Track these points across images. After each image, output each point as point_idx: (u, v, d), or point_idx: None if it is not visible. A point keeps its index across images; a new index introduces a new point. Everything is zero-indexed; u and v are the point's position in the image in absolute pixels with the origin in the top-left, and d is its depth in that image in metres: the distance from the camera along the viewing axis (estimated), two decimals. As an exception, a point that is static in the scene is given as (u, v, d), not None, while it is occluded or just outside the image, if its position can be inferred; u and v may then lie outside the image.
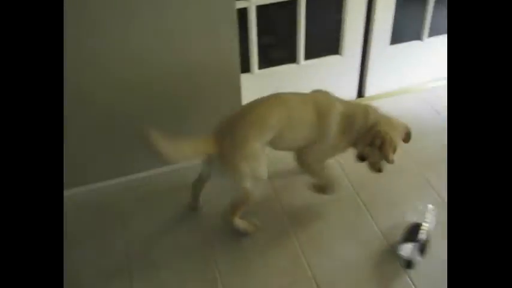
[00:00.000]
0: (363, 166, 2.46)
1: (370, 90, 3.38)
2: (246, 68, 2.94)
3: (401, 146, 2.42)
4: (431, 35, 3.36)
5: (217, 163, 2.23)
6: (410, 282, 2.23)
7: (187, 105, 2.69)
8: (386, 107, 2.98)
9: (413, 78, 3.48)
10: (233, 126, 2.22)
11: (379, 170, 2.44)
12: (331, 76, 3.17)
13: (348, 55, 3.18)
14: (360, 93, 3.38)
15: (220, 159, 2.20)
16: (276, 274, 2.30)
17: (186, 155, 2.15)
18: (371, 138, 2.34)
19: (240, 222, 2.41)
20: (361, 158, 2.45)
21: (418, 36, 3.35)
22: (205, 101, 2.70)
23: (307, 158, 2.45)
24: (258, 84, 2.96)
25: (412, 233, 2.34)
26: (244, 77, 2.81)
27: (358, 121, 2.37)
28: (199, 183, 2.55)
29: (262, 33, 2.91)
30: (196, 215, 2.60)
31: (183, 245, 2.45)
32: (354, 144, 2.44)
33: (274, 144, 2.32)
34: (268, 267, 2.33)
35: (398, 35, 3.28)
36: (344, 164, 2.82)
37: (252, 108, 2.29)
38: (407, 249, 2.28)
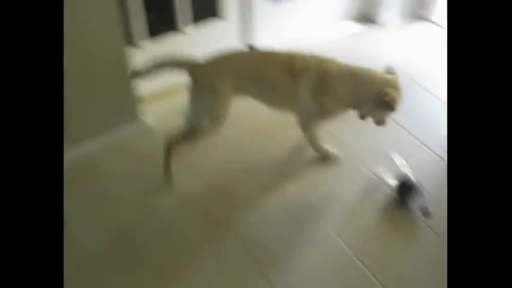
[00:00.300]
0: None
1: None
2: (129, 41, 2.85)
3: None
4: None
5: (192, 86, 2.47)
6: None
7: (74, 77, 2.48)
8: None
9: (300, 33, 3.60)
10: (216, 62, 2.46)
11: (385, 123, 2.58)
12: (215, 41, 3.15)
13: (230, 17, 3.22)
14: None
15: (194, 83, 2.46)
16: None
17: (169, 62, 2.47)
18: (379, 100, 2.44)
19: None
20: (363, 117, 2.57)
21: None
22: (90, 73, 2.54)
23: (301, 123, 2.61)
24: (145, 56, 2.89)
25: (404, 187, 2.45)
26: (130, 51, 2.71)
27: (364, 86, 2.46)
28: None
29: (144, 5, 2.86)
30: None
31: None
32: (356, 107, 2.54)
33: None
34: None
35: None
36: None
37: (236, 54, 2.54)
38: (417, 202, 2.39)
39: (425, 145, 2.81)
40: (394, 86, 2.44)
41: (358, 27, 3.88)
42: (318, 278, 2.16)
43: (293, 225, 2.38)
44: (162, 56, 2.46)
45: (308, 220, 2.41)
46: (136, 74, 2.53)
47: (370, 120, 2.53)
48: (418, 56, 3.59)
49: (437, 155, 2.74)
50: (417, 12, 3.97)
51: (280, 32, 3.48)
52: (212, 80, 2.43)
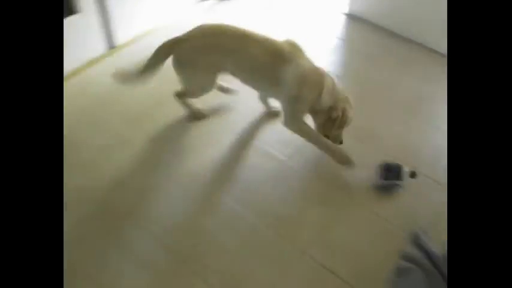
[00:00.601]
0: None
1: (121, 39, 3.43)
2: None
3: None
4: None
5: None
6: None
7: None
8: (139, 50, 3.14)
9: (159, 15, 3.65)
10: (197, 37, 2.54)
11: (341, 142, 2.62)
12: (76, 37, 3.12)
13: (86, 11, 3.15)
14: (112, 44, 3.41)
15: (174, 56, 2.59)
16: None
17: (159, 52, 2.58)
18: (336, 116, 2.49)
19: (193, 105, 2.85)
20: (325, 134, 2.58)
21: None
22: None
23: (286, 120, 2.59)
24: None
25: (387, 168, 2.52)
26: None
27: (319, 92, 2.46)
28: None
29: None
30: None
31: None
32: (312, 113, 2.57)
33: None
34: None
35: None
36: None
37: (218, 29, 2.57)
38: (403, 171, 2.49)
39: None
40: (350, 105, 2.55)
41: (210, 2, 3.98)
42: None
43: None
44: (144, 63, 2.56)
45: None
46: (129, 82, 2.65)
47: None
48: (272, 24, 3.76)
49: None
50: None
51: (138, 18, 3.51)
52: (190, 54, 2.52)
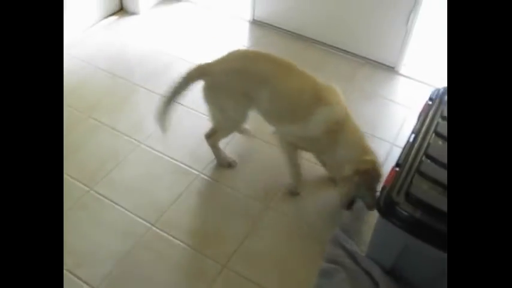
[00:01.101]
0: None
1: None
2: None
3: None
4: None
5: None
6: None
7: None
8: None
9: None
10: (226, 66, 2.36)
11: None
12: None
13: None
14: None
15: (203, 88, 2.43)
16: None
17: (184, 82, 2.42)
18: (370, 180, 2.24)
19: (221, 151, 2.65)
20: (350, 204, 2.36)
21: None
22: None
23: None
24: None
25: None
26: None
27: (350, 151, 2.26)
28: None
29: None
30: None
31: None
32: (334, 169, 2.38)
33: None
34: None
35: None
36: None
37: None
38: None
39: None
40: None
41: (112, 18, 3.88)
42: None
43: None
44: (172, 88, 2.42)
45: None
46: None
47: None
48: (178, 34, 3.72)
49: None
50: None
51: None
52: (222, 77, 2.35)
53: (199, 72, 2.39)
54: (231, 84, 2.35)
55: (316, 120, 2.24)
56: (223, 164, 2.66)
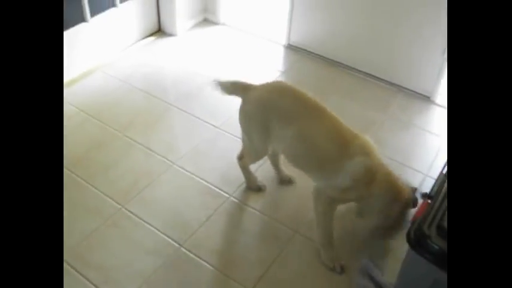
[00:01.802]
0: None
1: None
2: None
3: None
4: (93, 14, 3.47)
5: None
6: None
7: None
8: (77, 92, 3.31)
9: (91, 58, 3.57)
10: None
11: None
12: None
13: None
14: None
15: None
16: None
17: None
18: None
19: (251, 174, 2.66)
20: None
21: (82, 19, 3.43)
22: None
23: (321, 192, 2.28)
24: None
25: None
26: None
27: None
28: (272, 158, 2.68)
29: None
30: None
31: None
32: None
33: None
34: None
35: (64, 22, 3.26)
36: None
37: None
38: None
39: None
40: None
41: (150, 39, 3.96)
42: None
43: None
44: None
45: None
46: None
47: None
48: (213, 57, 3.76)
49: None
50: (205, 17, 4.17)
51: (74, 59, 3.43)
52: (253, 104, 2.34)
53: (240, 89, 2.40)
54: (256, 114, 2.32)
55: (345, 174, 2.12)
56: (253, 187, 2.66)
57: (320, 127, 2.19)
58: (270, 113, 2.26)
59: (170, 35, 3.98)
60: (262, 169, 2.76)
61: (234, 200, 2.59)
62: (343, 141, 2.14)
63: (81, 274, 2.23)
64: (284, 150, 2.34)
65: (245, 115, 2.38)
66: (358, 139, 2.16)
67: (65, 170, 2.72)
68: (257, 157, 2.54)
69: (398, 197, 2.14)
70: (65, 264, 2.26)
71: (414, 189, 2.26)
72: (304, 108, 2.23)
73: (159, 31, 4.03)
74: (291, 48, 3.86)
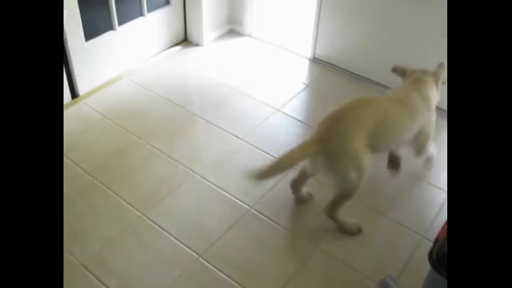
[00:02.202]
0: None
1: (82, 88, 3.39)
2: None
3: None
4: (121, 23, 3.52)
5: (322, 161, 2.32)
6: None
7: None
8: (103, 98, 3.25)
9: (118, 66, 3.62)
10: (334, 126, 2.31)
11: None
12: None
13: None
14: (74, 93, 3.37)
15: (325, 158, 2.30)
16: None
17: (297, 161, 2.31)
18: None
19: (344, 218, 2.51)
20: None
21: (110, 27, 3.48)
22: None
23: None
24: None
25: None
26: None
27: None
28: (299, 180, 2.62)
29: None
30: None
31: None
32: None
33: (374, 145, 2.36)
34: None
35: (92, 30, 3.35)
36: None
37: (348, 108, 2.38)
38: None
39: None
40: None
41: (176, 48, 3.99)
42: None
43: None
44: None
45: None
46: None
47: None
48: (238, 68, 3.78)
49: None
50: (231, 28, 4.19)
51: (100, 67, 3.47)
52: (340, 145, 2.28)
53: (312, 148, 2.33)
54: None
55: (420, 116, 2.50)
56: (355, 230, 2.53)
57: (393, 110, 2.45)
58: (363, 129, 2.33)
59: (196, 45, 4.01)
60: (280, 185, 2.75)
61: (255, 212, 2.59)
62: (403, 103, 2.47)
63: (101, 282, 2.25)
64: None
65: (337, 156, 2.32)
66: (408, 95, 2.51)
67: (87, 175, 2.76)
68: (364, 175, 2.39)
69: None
70: (85, 271, 2.28)
71: None
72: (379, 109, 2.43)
73: (185, 41, 4.07)
74: (315, 61, 3.86)
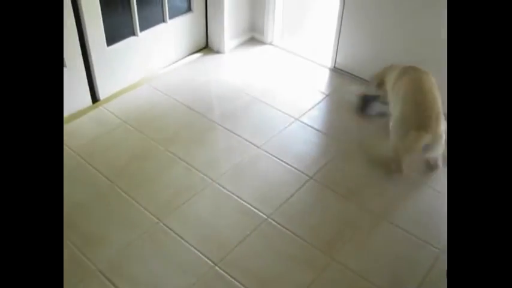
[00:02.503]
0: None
1: (103, 93, 3.42)
2: None
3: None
4: (143, 29, 3.54)
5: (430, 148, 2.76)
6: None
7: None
8: (123, 103, 3.28)
9: (139, 71, 3.64)
10: (425, 112, 2.73)
11: None
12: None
13: (71, 66, 3.16)
14: (94, 98, 3.40)
15: (434, 143, 2.73)
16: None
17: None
18: None
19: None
20: None
21: (132, 33, 3.50)
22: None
23: None
24: None
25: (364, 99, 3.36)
26: None
27: None
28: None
29: None
30: None
31: None
32: None
33: None
34: None
35: (114, 35, 3.38)
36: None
37: (421, 90, 2.83)
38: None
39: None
40: None
41: (197, 55, 4.01)
42: None
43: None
44: None
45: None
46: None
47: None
48: (258, 76, 3.78)
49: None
50: (252, 36, 4.21)
51: (121, 72, 3.50)
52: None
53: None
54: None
55: None
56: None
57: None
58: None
59: (217, 52, 4.03)
60: (299, 194, 2.77)
61: (272, 221, 2.58)
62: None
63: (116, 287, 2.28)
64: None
65: None
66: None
67: (105, 180, 2.77)
68: None
69: None
70: (101, 276, 2.29)
71: None
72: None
73: (206, 47, 4.08)
74: (336, 71, 3.84)
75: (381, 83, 3.12)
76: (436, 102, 2.76)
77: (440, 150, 2.80)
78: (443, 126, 2.74)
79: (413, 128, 2.70)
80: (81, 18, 3.10)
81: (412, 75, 2.90)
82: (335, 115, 3.47)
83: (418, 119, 2.73)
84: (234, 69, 3.85)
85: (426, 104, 2.75)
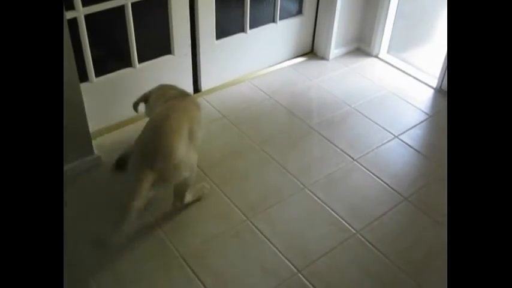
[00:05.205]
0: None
1: (205, 84, 3.48)
2: (83, 77, 2.83)
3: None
4: (252, 26, 3.56)
5: (160, 184, 2.25)
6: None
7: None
8: (224, 97, 3.26)
9: (243, 68, 3.68)
10: (153, 148, 2.26)
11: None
12: (166, 76, 3.17)
13: (179, 54, 3.23)
14: (196, 88, 3.47)
15: (162, 180, 2.24)
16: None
17: (146, 199, 2.22)
18: None
19: (189, 196, 2.59)
20: None
21: (241, 29, 3.54)
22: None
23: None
24: (98, 91, 2.95)
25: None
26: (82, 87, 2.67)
27: None
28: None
29: (96, 42, 2.84)
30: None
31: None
32: None
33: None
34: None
35: (223, 30, 3.43)
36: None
37: (158, 123, 2.38)
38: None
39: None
40: None
41: (301, 59, 3.99)
42: None
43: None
44: None
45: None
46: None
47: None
48: (360, 88, 3.70)
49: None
50: (359, 46, 4.14)
51: (226, 67, 3.55)
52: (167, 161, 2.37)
53: None
54: None
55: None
56: (202, 191, 2.68)
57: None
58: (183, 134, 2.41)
59: (322, 58, 3.99)
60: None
61: (361, 237, 2.50)
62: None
63: (197, 276, 2.27)
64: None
65: None
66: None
67: (200, 172, 2.80)
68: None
69: None
70: (184, 264, 2.32)
71: None
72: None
73: (311, 52, 4.06)
74: (441, 92, 3.69)
75: None
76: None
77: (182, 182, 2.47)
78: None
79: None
80: (196, 9, 3.17)
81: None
82: (437, 138, 3.31)
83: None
84: (337, 78, 3.79)
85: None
